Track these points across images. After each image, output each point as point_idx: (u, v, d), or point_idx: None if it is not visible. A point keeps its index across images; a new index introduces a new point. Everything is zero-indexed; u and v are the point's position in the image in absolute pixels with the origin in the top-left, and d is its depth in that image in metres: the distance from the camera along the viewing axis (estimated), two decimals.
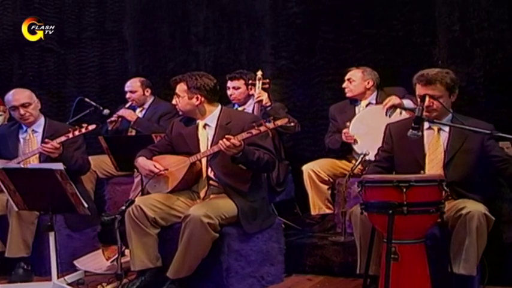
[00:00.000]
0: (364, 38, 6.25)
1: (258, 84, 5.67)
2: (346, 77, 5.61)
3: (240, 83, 5.78)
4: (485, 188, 4.16)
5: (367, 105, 5.58)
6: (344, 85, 5.62)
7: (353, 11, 6.33)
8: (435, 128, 4.19)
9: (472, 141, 4.10)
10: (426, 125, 4.15)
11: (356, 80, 5.56)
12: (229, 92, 5.80)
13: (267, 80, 5.70)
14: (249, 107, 5.76)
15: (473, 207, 3.87)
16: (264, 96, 5.60)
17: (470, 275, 3.86)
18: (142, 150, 4.57)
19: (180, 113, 4.59)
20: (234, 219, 4.29)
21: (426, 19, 6.05)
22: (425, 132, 4.19)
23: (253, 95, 5.73)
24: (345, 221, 4.85)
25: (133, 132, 6.22)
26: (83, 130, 4.87)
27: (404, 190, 3.58)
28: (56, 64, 7.80)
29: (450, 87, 4.09)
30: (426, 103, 3.99)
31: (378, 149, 4.41)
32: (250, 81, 5.74)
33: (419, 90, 4.08)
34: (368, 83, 5.57)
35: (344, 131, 5.32)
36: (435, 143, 4.19)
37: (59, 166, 4.19)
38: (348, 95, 5.62)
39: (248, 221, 4.34)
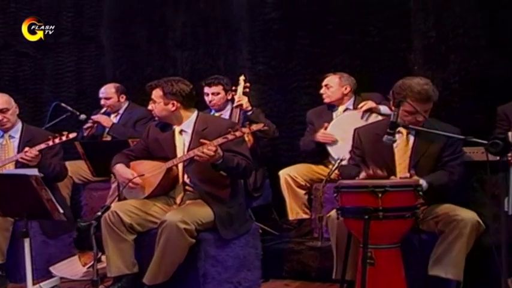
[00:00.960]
0: (341, 43, 6.28)
1: (240, 88, 5.67)
2: (324, 83, 5.63)
3: (218, 88, 5.77)
4: (458, 192, 4.20)
5: (344, 111, 5.60)
6: (322, 91, 5.64)
7: (329, 17, 6.35)
8: (404, 132, 4.22)
9: (436, 146, 4.16)
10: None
11: (333, 86, 5.58)
12: (208, 98, 5.77)
13: (248, 85, 5.71)
14: (226, 113, 5.75)
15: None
16: (245, 101, 5.61)
17: (458, 280, 3.92)
18: (118, 155, 4.56)
19: (156, 118, 4.58)
20: (211, 224, 4.28)
21: (402, 25, 6.09)
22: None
23: (231, 100, 5.73)
24: (322, 226, 4.85)
25: (109, 138, 6.20)
26: (64, 138, 4.83)
27: (380, 195, 3.61)
28: (33, 69, 7.74)
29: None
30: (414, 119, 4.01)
31: (350, 153, 4.45)
32: (233, 87, 5.74)
33: (416, 106, 4.02)
34: (345, 88, 5.59)
35: (321, 131, 5.35)
36: (403, 147, 4.23)
37: (34, 172, 4.16)
38: (325, 100, 5.63)
39: (225, 227, 4.34)
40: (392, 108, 4.06)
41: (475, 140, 3.43)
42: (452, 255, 3.89)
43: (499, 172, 3.30)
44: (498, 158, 3.19)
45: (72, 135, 4.87)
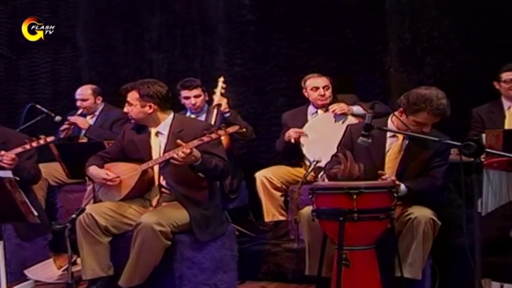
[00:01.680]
0: (317, 45, 6.31)
1: (218, 89, 5.67)
2: (321, 85, 5.55)
3: (199, 90, 5.76)
4: (435, 196, 4.24)
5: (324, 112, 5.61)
6: (322, 93, 5.54)
7: (306, 19, 6.38)
8: (400, 136, 4.21)
9: (428, 153, 4.17)
10: (390, 132, 4.19)
11: (330, 86, 5.58)
12: (190, 101, 5.73)
13: (224, 85, 5.72)
14: (203, 115, 5.74)
15: (420, 212, 3.96)
16: (224, 102, 5.60)
17: (416, 278, 3.93)
18: (92, 157, 4.53)
19: (133, 121, 4.54)
20: (187, 226, 4.26)
21: (378, 28, 6.14)
22: (388, 140, 4.24)
23: (209, 102, 5.72)
24: (298, 227, 4.87)
25: (85, 140, 6.17)
26: (41, 142, 4.78)
27: (355, 197, 3.62)
28: (7, 70, 7.67)
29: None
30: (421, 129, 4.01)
31: (337, 148, 4.39)
32: (214, 90, 5.74)
33: (429, 120, 4.04)
34: (330, 89, 5.61)
35: (292, 129, 5.36)
36: (396, 151, 4.22)
37: (8, 174, 4.11)
38: (324, 102, 5.55)
39: (201, 229, 4.32)
40: (368, 110, 4.06)
41: (448, 141, 3.46)
42: (409, 254, 3.91)
43: (473, 173, 3.33)
44: (472, 159, 3.22)
45: (50, 139, 4.82)
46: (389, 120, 4.22)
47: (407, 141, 4.20)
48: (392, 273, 3.96)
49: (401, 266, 3.92)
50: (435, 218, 3.97)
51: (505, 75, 5.30)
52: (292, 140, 5.36)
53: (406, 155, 4.19)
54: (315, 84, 5.56)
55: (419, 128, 4.00)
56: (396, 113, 4.13)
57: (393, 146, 4.22)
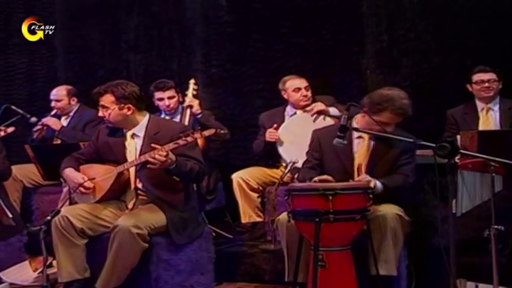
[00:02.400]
0: (294, 47, 6.33)
1: (190, 91, 5.66)
2: (303, 85, 5.56)
3: (172, 92, 5.73)
4: (409, 195, 4.27)
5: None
6: (303, 93, 5.54)
7: (283, 21, 6.40)
8: (365, 137, 4.26)
9: (394, 152, 4.21)
10: (356, 133, 4.22)
11: (310, 88, 5.58)
12: (164, 103, 5.70)
13: (196, 87, 5.70)
14: (177, 116, 5.73)
15: (387, 209, 4.00)
16: (195, 103, 5.59)
17: (390, 275, 3.95)
18: (67, 158, 4.49)
19: (110, 124, 4.46)
20: (163, 229, 4.25)
21: (354, 29, 6.17)
22: (355, 141, 4.27)
23: (181, 103, 5.71)
24: (275, 229, 4.87)
25: (59, 141, 6.13)
26: (2, 133, 4.73)
27: (331, 198, 3.65)
28: None
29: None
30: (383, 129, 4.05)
31: (307, 154, 4.45)
32: (186, 91, 5.72)
33: (392, 119, 4.10)
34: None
35: (269, 129, 5.37)
36: (364, 152, 4.26)
37: None
38: (307, 103, 5.54)
39: (178, 232, 4.30)
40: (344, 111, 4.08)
41: (423, 143, 3.48)
42: (382, 252, 3.94)
43: (448, 175, 3.36)
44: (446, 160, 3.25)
45: (10, 130, 4.75)
46: (354, 122, 4.25)
47: (373, 142, 4.25)
48: (368, 271, 3.98)
49: (376, 264, 3.94)
50: (402, 214, 4.02)
51: (476, 77, 5.36)
52: (272, 140, 5.38)
53: (373, 154, 4.23)
54: (297, 85, 5.56)
55: (383, 127, 4.04)
56: (359, 114, 4.20)
57: (360, 146, 4.27)
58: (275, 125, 5.40)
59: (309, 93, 5.56)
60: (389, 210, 3.99)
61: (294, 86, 5.57)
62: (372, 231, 3.96)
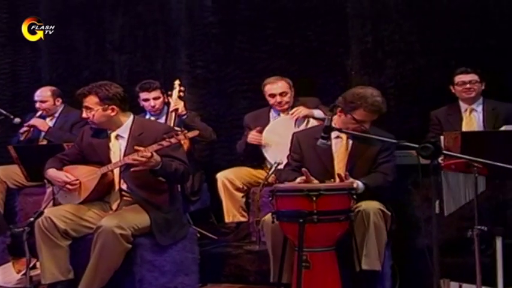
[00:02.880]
0: (279, 48, 6.34)
1: (175, 92, 5.65)
2: (278, 92, 5.50)
3: (158, 92, 5.71)
4: (393, 195, 4.29)
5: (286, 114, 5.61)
6: (278, 100, 5.50)
7: (268, 22, 6.41)
8: (343, 137, 4.29)
9: (373, 150, 4.25)
10: (334, 134, 4.24)
11: (288, 92, 5.53)
12: (149, 103, 5.68)
13: (183, 89, 5.69)
14: (162, 116, 5.71)
15: (369, 204, 4.02)
16: (181, 105, 5.58)
17: (373, 269, 3.97)
18: (51, 159, 4.47)
19: (94, 126, 4.46)
20: (147, 229, 4.24)
21: (339, 30, 6.19)
22: (334, 141, 4.29)
23: (168, 103, 5.70)
24: (260, 229, 4.87)
25: (45, 142, 6.10)
26: None
27: (314, 199, 3.65)
28: None
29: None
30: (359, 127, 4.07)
31: (287, 157, 4.48)
32: (168, 91, 5.71)
33: (366, 116, 4.14)
34: (293, 91, 5.60)
35: (252, 132, 5.38)
36: (343, 151, 4.29)
37: None
38: (282, 108, 5.53)
39: (162, 233, 4.29)
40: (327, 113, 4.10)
41: (406, 143, 3.49)
42: (364, 246, 3.96)
43: (431, 175, 3.37)
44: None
45: None
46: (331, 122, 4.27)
47: (351, 141, 4.29)
48: (353, 269, 3.98)
49: (359, 259, 3.96)
50: (384, 209, 4.04)
51: (457, 78, 5.40)
52: (251, 142, 5.38)
53: (352, 154, 4.27)
54: (271, 91, 5.54)
55: (359, 125, 4.08)
56: (336, 114, 4.22)
57: (339, 146, 4.30)
58: (258, 128, 5.40)
59: (286, 99, 5.51)
60: (371, 205, 4.01)
61: (269, 91, 5.56)
62: (355, 227, 3.97)
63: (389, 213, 4.05)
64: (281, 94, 5.51)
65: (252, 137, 5.38)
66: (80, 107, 4.44)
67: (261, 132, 5.40)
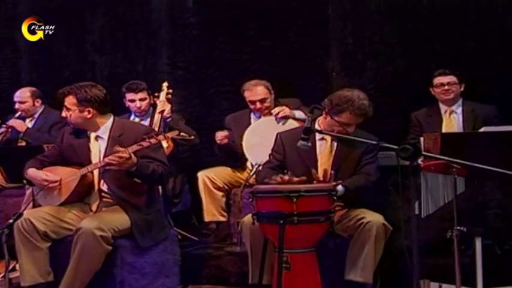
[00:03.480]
0: (260, 49, 6.34)
1: (162, 94, 5.64)
2: (257, 99, 5.49)
3: (144, 94, 5.70)
4: (374, 196, 4.30)
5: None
6: (258, 106, 5.50)
7: (249, 23, 6.41)
8: (328, 139, 4.30)
9: (357, 152, 4.26)
10: (319, 135, 4.25)
11: (267, 97, 5.52)
12: (135, 104, 5.66)
13: (171, 91, 5.69)
14: (147, 118, 5.70)
15: (373, 217, 4.03)
16: (167, 108, 5.57)
17: (367, 282, 4.00)
18: (31, 160, 4.44)
19: (71, 126, 4.46)
20: (128, 231, 4.22)
21: (320, 32, 6.20)
22: (318, 143, 4.31)
23: (154, 105, 5.68)
24: (240, 231, 4.87)
25: (24, 143, 6.06)
26: None
27: (295, 200, 3.65)
28: None
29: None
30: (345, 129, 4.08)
31: (269, 156, 4.48)
32: (155, 93, 5.69)
33: (352, 120, 4.13)
34: (272, 94, 5.59)
35: (218, 133, 5.41)
36: (327, 153, 4.30)
37: None
38: (264, 113, 5.54)
39: (142, 235, 4.28)
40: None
41: (386, 145, 3.50)
42: (361, 259, 3.98)
43: (411, 176, 3.39)
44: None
45: None
46: (316, 124, 4.28)
47: (335, 143, 4.30)
48: (336, 276, 4.00)
49: (350, 270, 3.99)
50: (386, 223, 4.05)
51: (436, 80, 5.45)
52: (223, 142, 5.40)
53: (337, 156, 4.28)
54: (251, 98, 5.52)
55: (344, 128, 4.07)
56: (321, 116, 4.25)
57: (323, 148, 4.31)
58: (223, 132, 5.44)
59: (266, 104, 5.51)
60: (375, 218, 4.02)
61: (248, 97, 5.56)
62: (354, 236, 4.01)
63: (390, 228, 4.05)
64: (261, 101, 5.51)
65: (218, 137, 5.41)
66: (60, 107, 4.42)
67: (229, 133, 5.43)
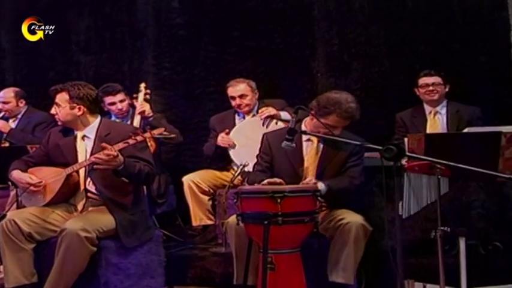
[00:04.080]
0: (246, 50, 6.35)
1: (141, 95, 5.63)
2: (237, 94, 5.54)
3: (122, 95, 5.70)
4: (358, 197, 4.31)
5: (251, 117, 5.62)
6: (237, 102, 5.55)
7: (235, 24, 6.41)
8: (314, 140, 4.30)
9: (343, 154, 4.26)
10: (305, 136, 4.25)
11: (248, 94, 5.56)
12: (115, 107, 5.65)
13: (149, 91, 5.68)
14: (128, 119, 5.68)
15: (352, 218, 4.03)
16: (147, 107, 5.57)
17: (348, 283, 3.99)
18: (16, 161, 4.42)
19: (60, 123, 4.46)
20: (112, 232, 4.21)
21: (306, 33, 6.21)
22: (304, 144, 4.31)
23: (133, 106, 5.67)
24: (225, 232, 4.87)
25: (7, 144, 6.03)
26: None
27: (279, 201, 3.65)
28: None
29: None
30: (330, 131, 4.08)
31: (257, 157, 4.48)
32: (134, 94, 5.68)
33: (338, 122, 4.13)
34: (256, 93, 5.62)
35: (221, 135, 5.37)
36: (313, 154, 4.30)
37: None
38: (244, 110, 5.58)
39: (127, 235, 4.27)
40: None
41: (370, 145, 3.52)
42: (342, 260, 3.98)
43: (394, 177, 3.40)
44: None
45: None
46: (303, 125, 4.29)
47: (322, 144, 4.30)
48: (321, 277, 4.00)
49: (332, 271, 3.99)
50: (366, 224, 4.05)
51: (421, 81, 5.48)
52: (221, 144, 5.38)
53: (323, 157, 4.28)
54: (231, 94, 5.58)
55: (330, 130, 4.07)
56: (308, 117, 4.26)
57: (309, 149, 4.31)
58: (227, 130, 5.41)
59: (245, 101, 5.55)
60: (354, 218, 4.02)
61: (229, 94, 5.61)
62: (334, 238, 4.01)
63: (370, 229, 4.06)
64: (240, 96, 5.55)
65: (222, 139, 5.38)
66: (45, 107, 4.43)
67: (229, 134, 5.41)
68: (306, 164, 4.29)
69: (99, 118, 4.43)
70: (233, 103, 5.59)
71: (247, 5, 6.40)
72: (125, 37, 6.82)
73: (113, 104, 5.66)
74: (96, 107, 4.43)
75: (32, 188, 4.25)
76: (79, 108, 4.31)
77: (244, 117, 5.60)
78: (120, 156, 4.04)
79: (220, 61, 6.42)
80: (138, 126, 5.39)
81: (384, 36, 6.08)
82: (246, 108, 5.56)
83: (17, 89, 6.39)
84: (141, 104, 5.58)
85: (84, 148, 4.36)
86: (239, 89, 5.56)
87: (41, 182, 4.26)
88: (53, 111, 4.41)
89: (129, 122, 5.58)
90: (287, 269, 3.78)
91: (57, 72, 6.96)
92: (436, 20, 5.97)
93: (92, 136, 4.36)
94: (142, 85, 5.71)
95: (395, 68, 6.03)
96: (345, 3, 6.15)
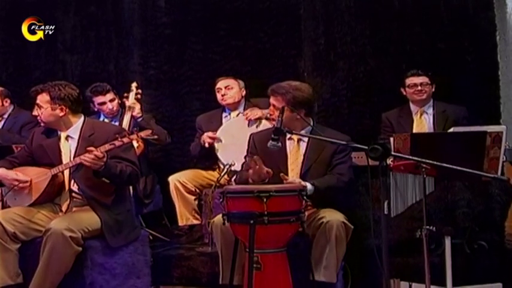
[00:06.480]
0: (232, 49, 6.35)
1: (132, 94, 5.61)
2: (223, 85, 5.60)
3: (112, 94, 5.69)
4: (344, 197, 4.32)
5: (237, 115, 5.62)
6: (222, 93, 5.59)
7: (221, 23, 6.41)
8: (295, 138, 4.31)
9: (327, 152, 4.26)
10: (287, 135, 4.25)
11: (234, 87, 5.59)
12: (106, 106, 5.65)
13: (140, 91, 5.67)
14: (118, 119, 5.67)
15: (333, 216, 4.02)
16: (137, 107, 5.56)
17: (330, 281, 4.00)
18: (0, 161, 4.40)
19: (42, 124, 4.44)
20: (98, 232, 4.20)
21: (292, 32, 6.22)
22: (287, 142, 4.32)
23: (122, 105, 5.66)
24: (211, 231, 4.87)
25: None
26: None
27: (265, 200, 3.65)
28: None
29: (292, 103, 4.19)
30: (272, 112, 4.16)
31: (245, 158, 4.48)
32: (125, 94, 5.67)
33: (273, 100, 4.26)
34: (243, 91, 5.65)
35: (207, 134, 5.37)
36: (295, 153, 4.32)
37: None
38: (227, 102, 5.60)
39: (113, 235, 4.26)
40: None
41: (355, 145, 3.52)
42: (323, 258, 3.98)
43: (380, 176, 3.41)
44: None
45: None
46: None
47: (304, 143, 4.31)
48: (307, 276, 4.00)
49: (314, 270, 3.98)
50: (347, 222, 4.05)
51: (409, 81, 5.49)
52: (206, 145, 5.36)
53: (307, 156, 4.29)
54: (218, 86, 5.63)
55: (282, 116, 3.96)
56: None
57: (292, 147, 4.32)
58: (211, 133, 5.41)
59: (230, 92, 5.59)
60: (335, 217, 4.02)
61: (216, 86, 5.65)
62: (316, 236, 4.01)
63: (351, 227, 4.06)
64: (226, 87, 5.59)
65: (206, 138, 5.37)
66: (31, 107, 4.40)
67: (215, 133, 5.41)
68: (289, 163, 4.30)
69: (82, 118, 4.40)
70: (218, 96, 5.62)
71: (234, 5, 6.40)
72: (111, 36, 6.79)
73: (103, 103, 5.64)
74: (78, 106, 4.38)
75: (19, 185, 4.22)
76: (61, 109, 4.28)
77: (229, 115, 5.64)
78: (105, 158, 4.03)
79: (207, 60, 6.42)
80: (127, 126, 5.38)
81: (370, 36, 6.10)
82: (230, 100, 5.58)
83: (1, 89, 6.33)
84: (133, 103, 5.56)
85: (68, 148, 4.34)
86: (227, 81, 5.62)
87: (28, 179, 4.24)
88: (35, 112, 4.39)
89: (117, 123, 5.56)
90: (273, 269, 3.78)
91: (43, 72, 6.91)
92: (422, 20, 6.00)
93: (76, 136, 4.34)
94: (134, 84, 5.70)
95: (381, 67, 6.06)
96: (331, 3, 6.17)
